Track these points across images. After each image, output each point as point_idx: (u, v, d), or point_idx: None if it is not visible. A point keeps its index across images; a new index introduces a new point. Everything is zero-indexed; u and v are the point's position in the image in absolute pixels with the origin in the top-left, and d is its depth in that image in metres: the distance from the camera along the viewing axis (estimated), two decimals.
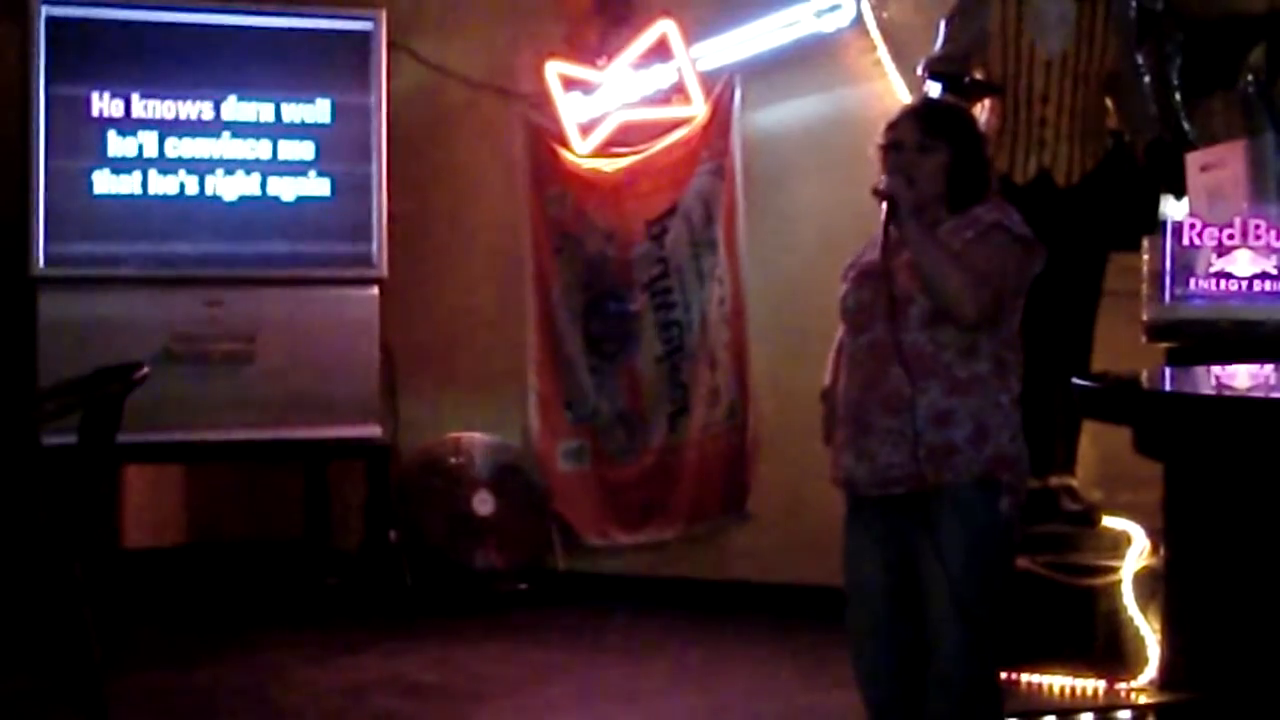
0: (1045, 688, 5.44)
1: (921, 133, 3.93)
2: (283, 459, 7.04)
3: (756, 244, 6.88)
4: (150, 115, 6.66)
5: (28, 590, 5.00)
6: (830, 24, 6.68)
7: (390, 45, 6.87)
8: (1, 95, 6.78)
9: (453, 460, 7.02)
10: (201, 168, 6.70)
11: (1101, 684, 5.41)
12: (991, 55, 5.65)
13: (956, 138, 3.95)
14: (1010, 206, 4.00)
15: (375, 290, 6.82)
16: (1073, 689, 5.43)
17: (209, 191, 6.70)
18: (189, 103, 6.69)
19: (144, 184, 6.64)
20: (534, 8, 7.12)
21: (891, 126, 3.98)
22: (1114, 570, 5.50)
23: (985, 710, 3.94)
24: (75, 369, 5.49)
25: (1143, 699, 5.34)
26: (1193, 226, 5.31)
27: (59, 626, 4.95)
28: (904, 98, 6.13)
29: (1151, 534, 5.46)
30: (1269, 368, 4.46)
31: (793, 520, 6.61)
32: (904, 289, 3.82)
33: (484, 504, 6.96)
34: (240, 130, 6.74)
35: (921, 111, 4.08)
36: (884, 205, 3.85)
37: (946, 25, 5.75)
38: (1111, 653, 5.43)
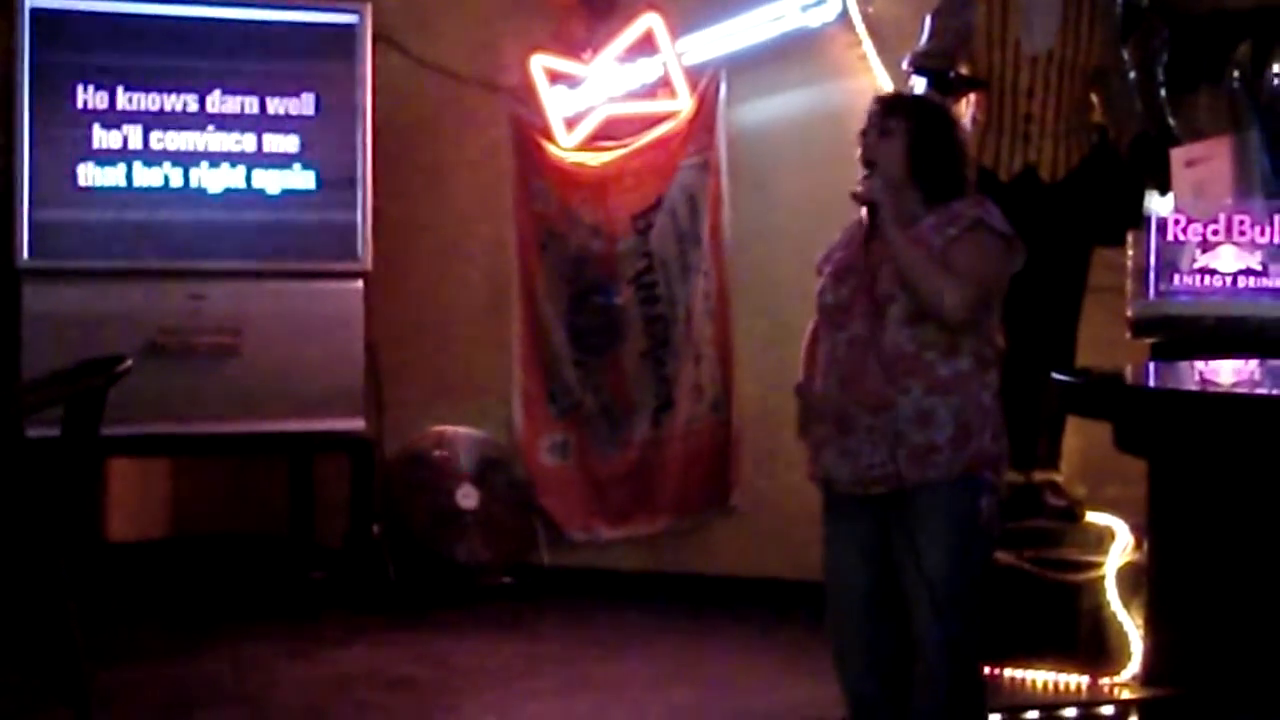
0: (1029, 683, 5.46)
1: (880, 117, 3.96)
2: (267, 452, 7.01)
3: (741, 238, 6.88)
4: (135, 108, 6.62)
5: (11, 583, 4.98)
6: (816, 18, 6.69)
7: (375, 39, 6.85)
8: None
9: (436, 454, 7.01)
10: (186, 160, 6.66)
11: (1085, 679, 5.43)
12: (977, 50, 5.66)
13: (916, 119, 3.95)
14: (989, 202, 4.00)
15: (360, 284, 6.79)
16: (1056, 684, 5.44)
17: (194, 184, 6.67)
18: (174, 95, 6.65)
19: (129, 176, 6.61)
20: (519, 1, 7.11)
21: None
22: (1097, 566, 5.52)
23: (969, 705, 3.94)
24: (59, 361, 5.49)
25: (1126, 694, 5.35)
26: (1177, 222, 5.31)
27: (43, 619, 4.94)
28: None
29: (1135, 529, 5.48)
30: (1253, 363, 4.47)
31: (777, 514, 6.61)
32: (885, 287, 3.83)
33: (468, 498, 6.95)
34: (225, 123, 6.71)
35: (881, 99, 4.12)
36: (864, 210, 3.87)
37: (932, 20, 5.76)
38: (1095, 648, 5.45)
